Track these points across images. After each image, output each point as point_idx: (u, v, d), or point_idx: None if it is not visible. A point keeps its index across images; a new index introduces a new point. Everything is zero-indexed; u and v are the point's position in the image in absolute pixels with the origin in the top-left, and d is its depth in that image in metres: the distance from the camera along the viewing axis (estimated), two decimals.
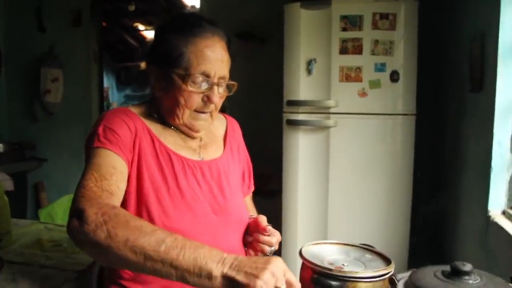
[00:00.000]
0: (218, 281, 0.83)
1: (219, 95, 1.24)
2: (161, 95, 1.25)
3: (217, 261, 0.85)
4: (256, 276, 0.81)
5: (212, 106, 1.23)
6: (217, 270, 0.84)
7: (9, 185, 3.24)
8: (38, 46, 4.32)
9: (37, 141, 4.45)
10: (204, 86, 1.20)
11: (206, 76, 1.20)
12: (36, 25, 4.32)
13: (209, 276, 0.84)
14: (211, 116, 1.27)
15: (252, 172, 1.53)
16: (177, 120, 1.23)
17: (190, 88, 1.19)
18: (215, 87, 1.21)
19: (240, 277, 0.82)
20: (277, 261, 0.85)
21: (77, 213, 0.94)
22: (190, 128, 1.25)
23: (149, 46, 1.32)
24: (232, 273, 0.83)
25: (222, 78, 1.23)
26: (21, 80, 4.48)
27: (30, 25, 4.34)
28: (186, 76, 1.18)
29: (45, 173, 4.42)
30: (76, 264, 1.73)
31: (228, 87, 1.27)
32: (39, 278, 1.60)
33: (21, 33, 4.42)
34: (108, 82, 7.73)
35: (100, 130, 1.14)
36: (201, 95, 1.21)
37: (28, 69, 4.38)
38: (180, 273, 0.86)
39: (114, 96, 8.13)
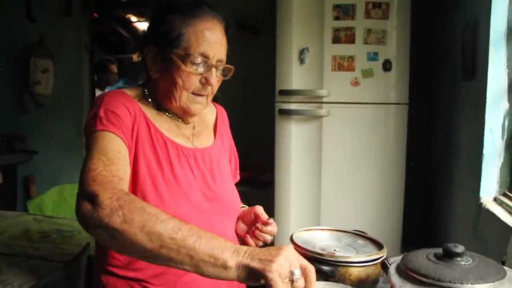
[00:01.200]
0: (233, 270, 0.83)
1: (217, 78, 1.22)
2: (157, 77, 1.22)
3: (232, 251, 0.84)
4: (271, 261, 0.81)
5: (209, 89, 1.22)
6: (232, 260, 0.83)
7: None
8: (28, 36, 4.24)
9: (27, 133, 4.39)
10: (202, 67, 1.19)
11: (205, 57, 1.18)
12: (25, 14, 4.26)
13: (225, 265, 0.83)
14: (207, 100, 1.25)
15: (238, 162, 1.52)
16: (174, 103, 1.21)
17: (188, 69, 1.17)
18: (213, 69, 1.20)
19: (255, 263, 0.81)
20: (289, 248, 0.85)
21: (89, 197, 0.92)
22: (186, 111, 1.23)
23: (147, 27, 1.29)
24: (247, 261, 0.82)
25: (220, 61, 1.22)
26: (10, 71, 4.41)
27: (19, 14, 4.26)
28: (186, 56, 1.16)
29: (35, 165, 4.36)
30: (65, 254, 1.72)
31: (224, 71, 1.25)
32: (26, 269, 1.59)
33: (10, 22, 4.33)
34: None
35: (102, 112, 1.12)
36: (199, 77, 1.19)
37: (18, 59, 4.31)
38: (195, 262, 0.84)
39: (106, 88, 8.07)
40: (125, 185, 1.04)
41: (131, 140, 1.15)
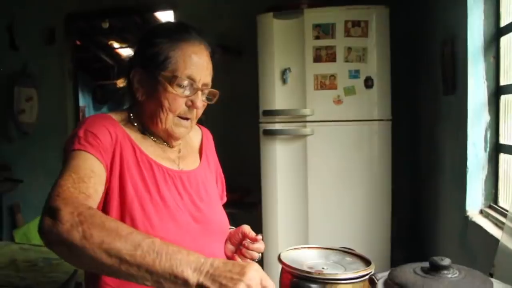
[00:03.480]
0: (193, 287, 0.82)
1: (202, 101, 1.23)
2: (144, 99, 1.23)
3: (194, 268, 0.83)
4: (232, 285, 0.80)
5: (194, 113, 1.22)
6: (193, 278, 0.82)
7: None
8: (11, 64, 4.25)
9: (12, 162, 4.36)
10: (189, 90, 1.20)
11: (192, 80, 1.19)
12: (8, 43, 4.25)
13: (185, 283, 0.82)
14: (191, 124, 1.26)
15: (225, 183, 1.52)
16: (159, 125, 1.21)
17: (175, 91, 1.18)
18: (199, 93, 1.21)
19: (215, 287, 0.81)
20: (252, 270, 0.83)
21: (51, 212, 0.90)
22: (170, 135, 1.23)
23: (135, 51, 1.30)
24: (207, 283, 0.81)
25: (206, 85, 1.23)
26: None
27: (2, 43, 4.27)
28: (173, 79, 1.17)
29: (21, 194, 4.32)
30: (52, 282, 1.70)
31: (209, 96, 1.26)
32: None
33: None
34: (84, 100, 7.66)
35: (81, 133, 1.12)
36: (185, 100, 1.20)
37: (1, 88, 4.30)
38: (155, 278, 0.84)
39: (91, 115, 8.05)
40: (93, 203, 1.03)
41: (113, 163, 1.14)
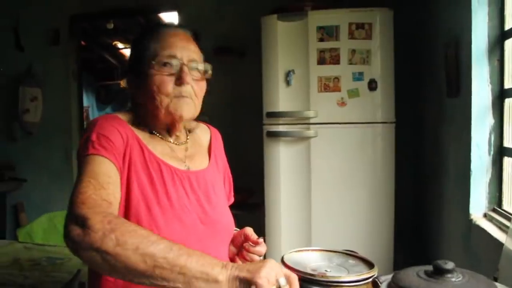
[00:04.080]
0: (224, 284, 0.87)
1: (192, 77, 1.23)
2: (138, 95, 1.25)
3: (221, 266, 0.88)
4: (258, 270, 0.87)
5: (188, 89, 1.21)
6: (222, 274, 0.87)
7: None
8: (16, 65, 4.27)
9: (16, 161, 4.38)
10: (173, 68, 1.20)
11: (173, 57, 1.20)
12: (13, 44, 4.28)
13: (216, 280, 0.87)
14: (194, 104, 1.25)
15: (233, 184, 1.52)
16: (159, 111, 1.21)
17: (159, 72, 1.19)
18: (185, 67, 1.20)
19: (244, 273, 0.87)
20: (272, 261, 0.91)
21: (79, 220, 0.92)
22: (173, 118, 1.22)
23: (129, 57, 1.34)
24: (236, 272, 0.87)
25: (192, 61, 1.23)
26: None
27: (7, 44, 4.29)
28: (154, 62, 1.19)
29: (25, 193, 4.34)
30: (55, 282, 1.70)
31: (199, 69, 1.25)
32: None
33: None
34: (88, 101, 7.67)
35: (94, 136, 1.12)
36: (172, 78, 1.20)
37: (6, 88, 4.32)
38: (188, 279, 0.87)
39: (95, 115, 8.03)
40: (115, 209, 1.04)
41: (123, 164, 1.15)
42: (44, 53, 4.27)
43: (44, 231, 2.74)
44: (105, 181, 1.06)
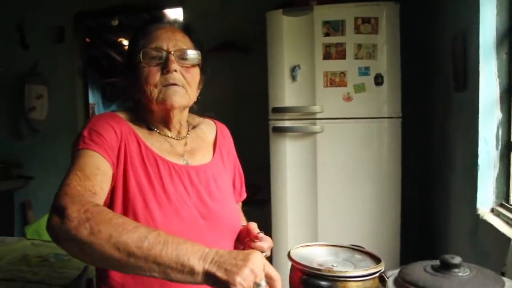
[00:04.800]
0: (200, 276, 0.85)
1: (182, 65, 1.24)
2: (133, 91, 1.27)
3: (199, 257, 0.85)
4: (235, 273, 0.83)
5: (176, 76, 1.22)
6: (199, 266, 0.85)
7: None
8: (22, 63, 4.30)
9: (23, 159, 4.40)
10: (159, 58, 1.22)
11: (159, 49, 1.22)
12: (19, 42, 4.29)
13: (191, 271, 0.85)
14: (186, 92, 1.25)
15: (248, 181, 1.52)
16: (150, 101, 1.23)
17: (146, 64, 1.21)
18: (171, 56, 1.22)
19: (220, 274, 0.83)
20: (255, 257, 0.86)
21: (58, 210, 0.93)
22: (165, 106, 1.23)
23: None
24: (213, 269, 0.84)
25: (179, 50, 1.24)
26: (5, 97, 4.45)
27: (12, 42, 4.31)
28: (142, 55, 1.21)
29: (32, 191, 4.37)
30: (63, 278, 1.71)
31: (184, 56, 1.25)
32: None
33: (4, 50, 4.39)
34: (94, 98, 7.69)
35: (86, 132, 1.14)
36: (159, 69, 1.22)
37: (12, 86, 4.35)
38: (162, 269, 0.86)
39: (101, 112, 8.07)
40: (99, 200, 1.05)
41: (117, 160, 1.16)
42: (49, 51, 4.29)
43: None
44: (92, 173, 1.07)
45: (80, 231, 0.88)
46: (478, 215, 1.97)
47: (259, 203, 3.13)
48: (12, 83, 4.35)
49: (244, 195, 1.52)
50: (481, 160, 1.97)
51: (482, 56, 1.95)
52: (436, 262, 0.92)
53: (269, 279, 0.87)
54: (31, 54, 4.29)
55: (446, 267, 0.89)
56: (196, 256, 0.85)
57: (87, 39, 5.23)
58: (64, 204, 0.93)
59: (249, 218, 1.52)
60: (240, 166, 1.51)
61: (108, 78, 8.00)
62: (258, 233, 1.26)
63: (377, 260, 1.16)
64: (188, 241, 0.88)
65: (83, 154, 1.10)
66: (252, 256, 0.86)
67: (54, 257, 2.00)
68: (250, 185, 1.58)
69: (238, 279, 0.82)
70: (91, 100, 6.19)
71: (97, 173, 1.08)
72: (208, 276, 0.84)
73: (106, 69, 7.73)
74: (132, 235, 0.87)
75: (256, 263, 0.85)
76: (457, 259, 0.89)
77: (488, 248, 1.85)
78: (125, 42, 7.02)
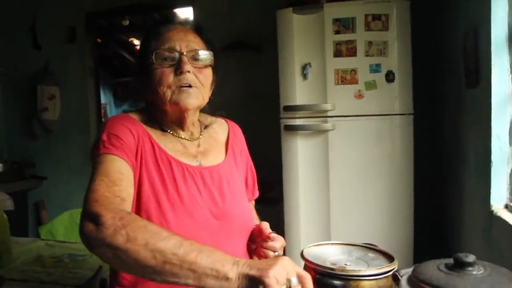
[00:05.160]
0: (233, 281, 0.86)
1: (194, 66, 1.24)
2: (147, 93, 1.27)
3: (232, 263, 0.88)
4: (268, 269, 0.85)
5: (189, 78, 1.22)
6: (233, 271, 0.87)
7: (9, 204, 3.22)
8: (34, 63, 4.33)
9: (36, 159, 4.44)
10: (172, 59, 1.23)
11: (171, 49, 1.23)
12: (31, 42, 4.33)
13: (226, 277, 0.86)
14: (200, 92, 1.25)
15: (261, 179, 1.53)
16: (164, 103, 1.23)
17: (159, 65, 1.22)
18: (183, 57, 1.22)
19: (254, 272, 0.86)
20: (286, 258, 0.90)
21: (92, 217, 0.94)
22: (178, 107, 1.23)
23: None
24: (246, 270, 0.86)
25: (192, 51, 1.25)
26: (17, 98, 4.50)
27: (25, 43, 4.35)
28: (153, 56, 1.22)
29: (45, 191, 4.40)
30: (77, 278, 1.73)
31: (198, 56, 1.25)
32: None
33: (16, 51, 4.43)
34: (105, 98, 7.73)
35: (105, 137, 1.15)
36: (172, 70, 1.22)
37: (25, 87, 4.39)
38: (198, 275, 0.87)
39: (112, 112, 8.10)
40: (128, 206, 1.07)
41: (135, 161, 1.17)
42: (61, 51, 4.32)
43: (65, 228, 2.77)
44: (117, 178, 1.08)
45: (117, 238, 0.90)
46: (492, 211, 1.95)
47: (271, 202, 3.14)
48: (24, 84, 4.39)
49: (257, 194, 1.53)
50: (494, 157, 1.96)
51: (494, 52, 1.93)
52: (450, 261, 0.92)
53: (300, 277, 0.89)
54: (43, 55, 4.33)
55: (460, 266, 0.89)
56: (230, 262, 0.88)
57: (98, 39, 5.25)
58: (97, 212, 0.95)
59: (261, 216, 1.53)
60: (252, 165, 1.51)
61: (119, 78, 8.04)
62: (270, 233, 1.26)
63: (390, 258, 1.15)
64: (219, 251, 0.91)
65: (105, 159, 1.11)
66: (282, 257, 0.90)
67: (68, 258, 2.01)
68: (262, 183, 1.58)
69: (271, 272, 0.84)
70: (102, 100, 6.23)
71: (121, 178, 1.09)
72: (242, 278, 0.86)
73: (117, 69, 7.77)
74: (167, 242, 0.89)
75: (286, 262, 0.88)
76: (471, 258, 0.89)
77: (502, 245, 1.84)
78: (136, 42, 7.05)
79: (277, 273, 0.85)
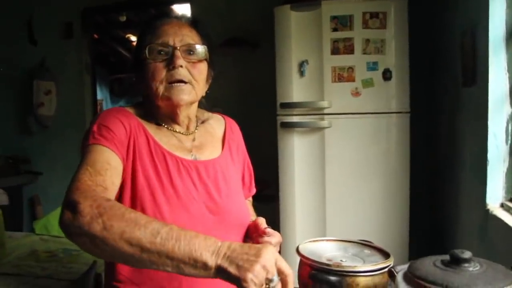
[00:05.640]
0: (212, 271, 0.85)
1: (188, 60, 1.23)
2: (141, 86, 1.27)
3: (212, 252, 0.86)
4: (247, 270, 0.83)
5: (182, 72, 1.21)
6: (212, 261, 0.85)
7: (4, 199, 3.21)
8: (30, 59, 4.31)
9: (32, 154, 4.43)
10: (165, 54, 1.22)
11: (165, 44, 1.22)
12: (27, 38, 4.31)
13: (204, 266, 0.85)
14: (193, 88, 1.25)
15: (256, 176, 1.52)
16: (157, 97, 1.22)
17: (152, 60, 1.21)
18: (176, 51, 1.21)
19: (232, 269, 0.84)
20: (267, 252, 0.86)
21: (71, 205, 0.93)
22: (170, 102, 1.23)
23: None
24: (225, 265, 0.84)
25: (186, 45, 1.24)
26: (13, 93, 4.48)
27: (21, 38, 4.33)
28: (147, 51, 1.21)
29: (41, 186, 4.39)
30: (72, 273, 1.72)
31: (191, 50, 1.24)
32: None
33: (13, 46, 4.41)
34: (101, 94, 7.73)
35: (95, 128, 1.14)
36: (164, 64, 1.21)
37: (21, 82, 4.37)
38: (175, 263, 0.86)
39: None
40: (111, 195, 1.06)
41: (127, 154, 1.17)
42: (58, 46, 4.30)
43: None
44: (103, 168, 1.07)
45: (93, 226, 0.89)
46: (488, 210, 1.95)
47: (267, 199, 3.13)
48: (20, 79, 4.37)
49: (254, 190, 1.53)
50: (490, 155, 1.96)
51: (491, 50, 1.93)
52: (446, 257, 0.92)
53: (281, 274, 0.87)
54: (40, 50, 4.31)
55: (456, 262, 0.89)
56: (209, 251, 0.86)
57: (95, 35, 5.24)
58: (76, 199, 0.93)
59: (257, 213, 1.53)
60: (249, 161, 1.51)
61: (115, 74, 8.03)
62: (265, 228, 1.26)
63: (386, 255, 1.15)
64: (201, 235, 0.88)
65: (93, 149, 1.11)
66: (264, 251, 0.86)
67: (63, 252, 2.01)
68: (259, 181, 1.58)
69: (249, 276, 0.82)
70: (99, 96, 6.23)
71: (107, 168, 1.08)
72: (221, 271, 0.85)
73: (113, 65, 7.76)
74: (144, 230, 0.88)
75: (268, 259, 0.85)
76: (467, 254, 0.89)
77: (497, 243, 1.84)
78: (133, 38, 7.03)
79: (256, 275, 0.83)
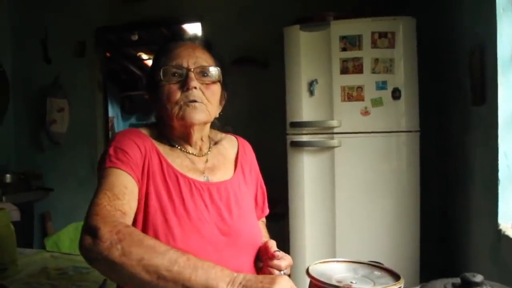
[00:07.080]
0: None
1: (202, 82, 1.25)
2: (156, 107, 1.29)
3: (227, 282, 0.87)
4: None
5: (196, 94, 1.23)
6: None
7: (15, 215, 3.23)
8: (44, 76, 4.38)
9: (44, 171, 4.47)
10: (179, 76, 1.24)
11: (179, 66, 1.24)
12: (42, 56, 4.38)
13: None
14: (206, 108, 1.26)
15: (267, 195, 1.53)
16: (172, 119, 1.24)
17: (167, 82, 1.23)
18: (190, 73, 1.23)
19: None
20: (282, 281, 0.88)
21: (91, 230, 0.95)
22: (185, 122, 1.24)
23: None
24: None
25: (200, 67, 1.26)
26: (27, 110, 4.54)
27: (36, 56, 4.41)
28: (162, 73, 1.24)
29: (52, 202, 4.42)
30: None
31: (205, 72, 1.27)
32: None
33: (28, 64, 4.50)
34: (113, 111, 7.78)
35: (111, 151, 1.16)
36: (178, 86, 1.23)
37: (34, 99, 4.44)
38: None
39: (119, 125, 8.17)
40: (129, 219, 1.07)
41: (141, 176, 1.18)
42: (71, 64, 4.37)
43: (70, 241, 2.77)
44: (120, 192, 1.09)
45: (112, 252, 0.91)
46: (500, 230, 1.94)
47: (277, 218, 3.13)
48: (34, 96, 4.44)
49: (267, 211, 1.53)
50: (501, 175, 1.95)
51: (500, 69, 1.93)
52: (457, 280, 0.91)
53: None
54: (53, 68, 4.38)
55: (467, 286, 0.88)
56: (225, 281, 0.87)
57: (107, 53, 5.31)
58: (96, 225, 0.95)
59: (268, 231, 1.53)
60: (262, 182, 1.51)
61: (126, 91, 8.10)
62: (275, 251, 1.26)
63: (396, 276, 1.15)
64: (218, 266, 0.90)
65: (110, 173, 1.12)
66: (278, 280, 0.87)
67: (73, 270, 2.01)
68: (268, 199, 1.58)
69: None
70: (110, 113, 6.27)
71: (125, 192, 1.10)
72: None
73: (124, 83, 7.84)
74: (162, 258, 0.89)
75: (283, 285, 0.87)
76: (478, 277, 0.88)
77: (510, 263, 1.82)
78: (144, 56, 7.11)
79: None
